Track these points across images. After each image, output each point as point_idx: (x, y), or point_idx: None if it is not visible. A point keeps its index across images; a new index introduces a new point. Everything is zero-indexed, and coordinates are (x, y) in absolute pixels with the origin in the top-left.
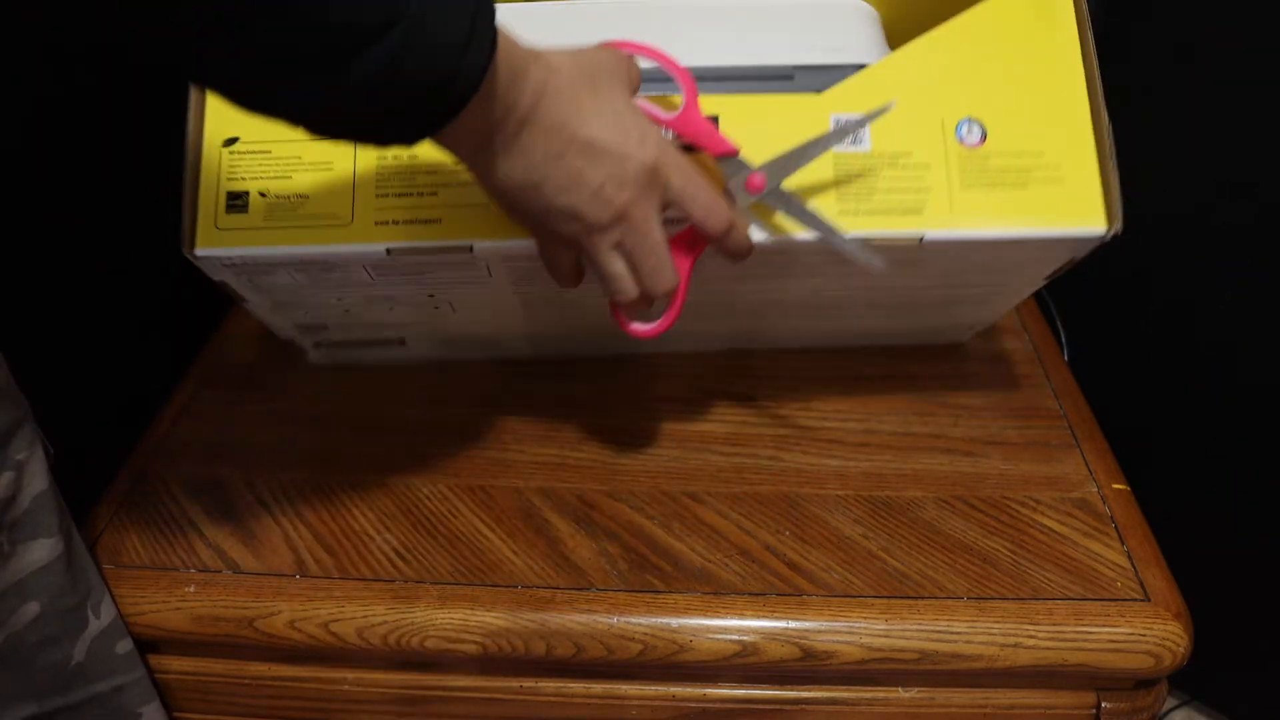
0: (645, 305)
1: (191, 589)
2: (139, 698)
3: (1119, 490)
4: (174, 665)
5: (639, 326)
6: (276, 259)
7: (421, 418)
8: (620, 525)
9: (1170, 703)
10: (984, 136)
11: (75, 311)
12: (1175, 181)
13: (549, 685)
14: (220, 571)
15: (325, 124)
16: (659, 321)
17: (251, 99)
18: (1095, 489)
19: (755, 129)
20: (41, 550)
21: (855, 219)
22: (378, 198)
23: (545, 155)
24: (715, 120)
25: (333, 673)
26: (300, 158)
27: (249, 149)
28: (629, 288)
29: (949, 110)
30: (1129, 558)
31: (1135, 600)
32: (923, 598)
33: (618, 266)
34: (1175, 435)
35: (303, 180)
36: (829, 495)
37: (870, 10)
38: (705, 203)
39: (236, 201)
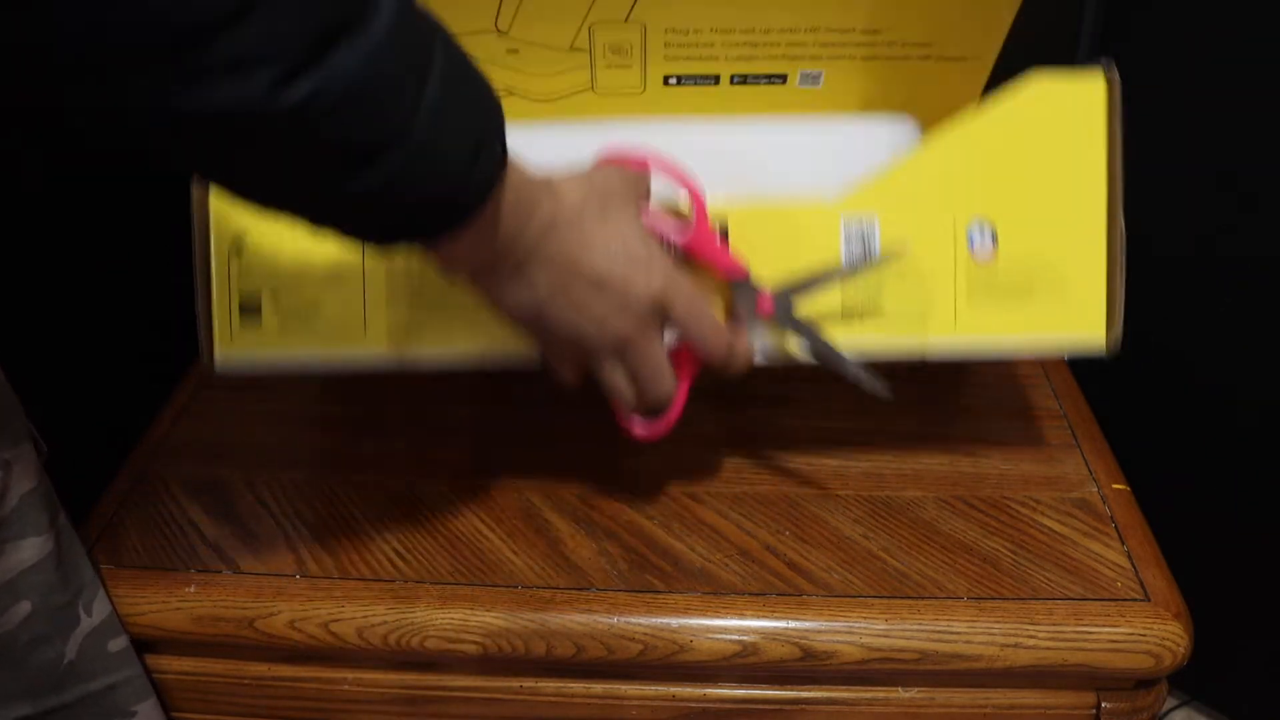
0: (646, 408)
1: (191, 589)
2: (133, 695)
3: (1119, 490)
4: (174, 665)
5: (639, 427)
6: (294, 363)
7: (422, 417)
8: (620, 525)
9: (1170, 703)
10: (995, 242)
11: (76, 311)
12: (1176, 181)
13: (549, 685)
14: (220, 571)
15: (317, 223)
16: (659, 422)
17: (244, 196)
18: (1095, 489)
19: (766, 237)
20: (31, 549)
21: (861, 331)
22: (389, 306)
23: (550, 286)
24: (725, 234)
25: (333, 673)
26: (309, 261)
27: (257, 251)
28: (628, 398)
29: (962, 212)
30: (1129, 558)
31: (1135, 600)
32: (923, 598)
33: (618, 379)
34: (1175, 435)
35: (313, 286)
36: (829, 495)
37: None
38: (706, 331)
39: (250, 309)
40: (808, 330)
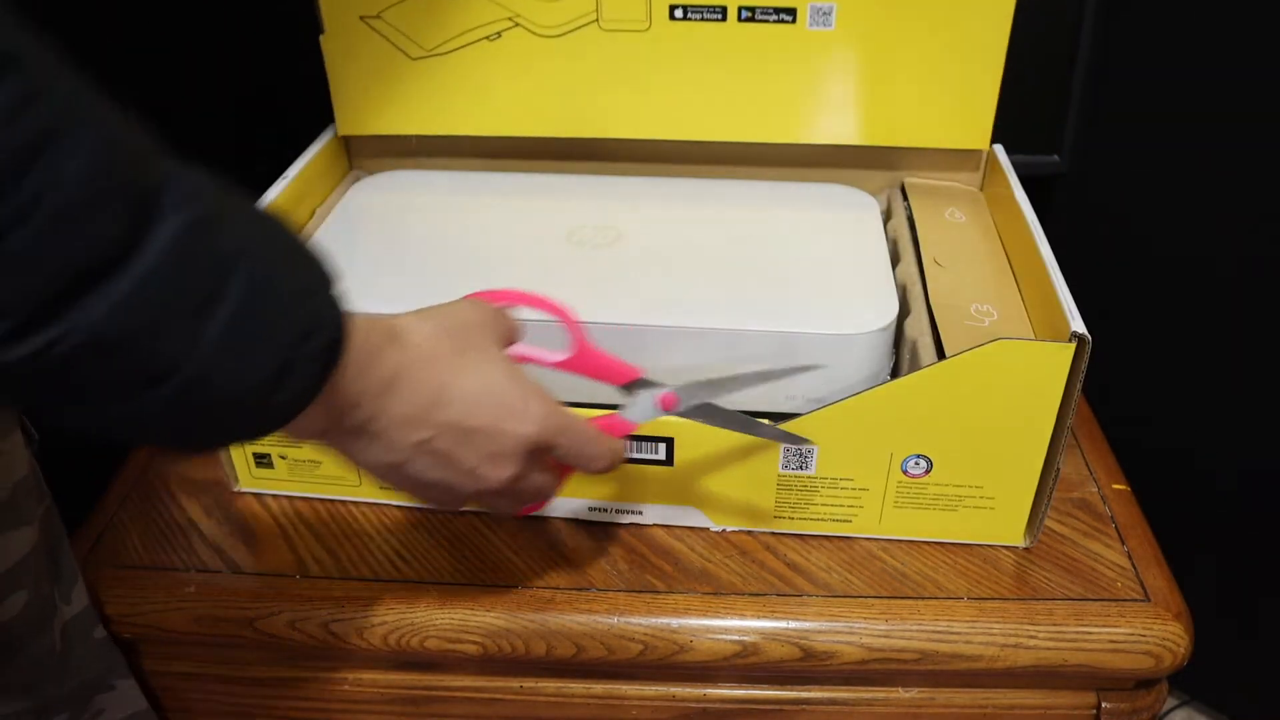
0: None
1: (191, 589)
2: (113, 675)
3: (1119, 490)
4: (174, 666)
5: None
6: (306, 496)
7: None
8: (620, 525)
9: (1170, 703)
10: (929, 469)
11: None
12: (1176, 175)
13: (549, 685)
14: (220, 571)
15: (104, 440)
16: (532, 508)
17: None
18: (1095, 489)
19: (708, 453)
20: (24, 538)
21: (789, 522)
22: None
23: (404, 442)
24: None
25: (333, 673)
26: None
27: None
28: (505, 514)
29: (900, 447)
30: (1129, 558)
31: (1135, 600)
32: (923, 598)
33: (497, 504)
34: (1175, 435)
35: (310, 451)
36: None
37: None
38: (592, 456)
39: (263, 461)
40: (717, 411)
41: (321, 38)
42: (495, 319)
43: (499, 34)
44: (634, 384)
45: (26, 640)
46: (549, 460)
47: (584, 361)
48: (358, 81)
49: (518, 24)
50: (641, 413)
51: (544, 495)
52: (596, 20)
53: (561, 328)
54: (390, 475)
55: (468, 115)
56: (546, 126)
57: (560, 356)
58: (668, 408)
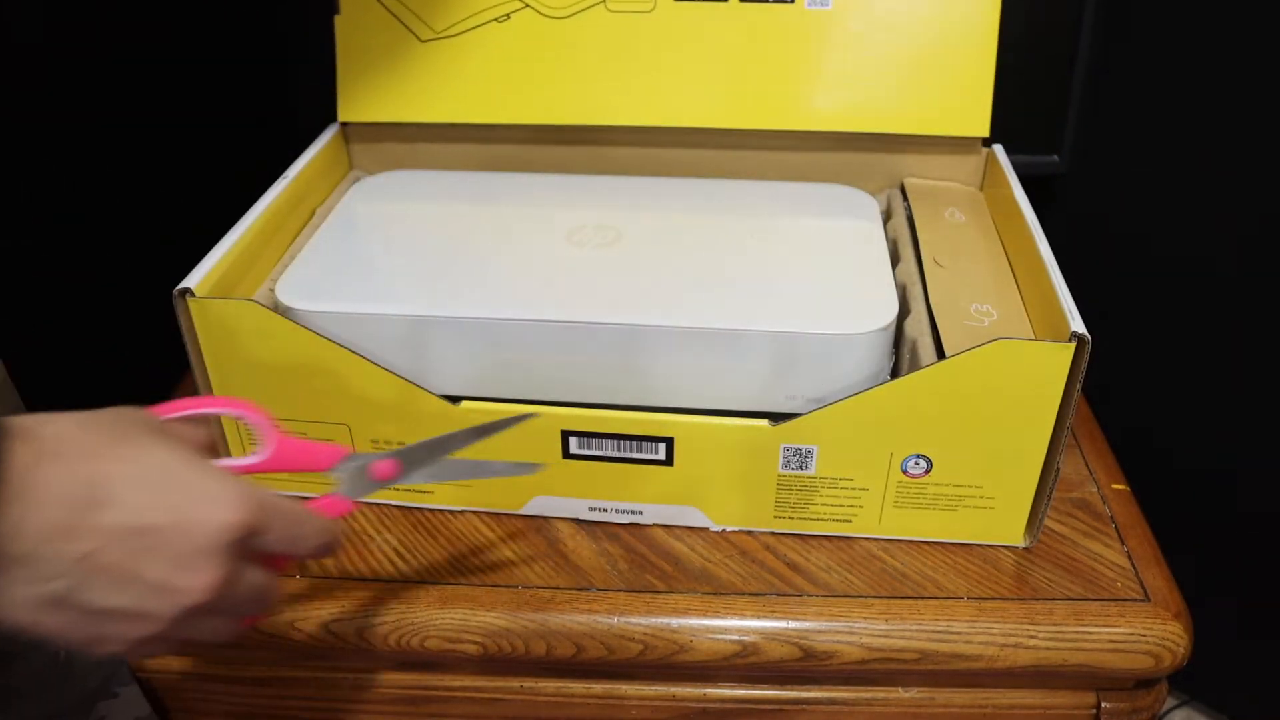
0: None
1: None
2: (116, 683)
3: (1119, 490)
4: (174, 665)
5: None
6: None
7: None
8: (620, 525)
9: (1170, 702)
10: (929, 469)
11: (79, 312)
12: (1176, 175)
13: (549, 685)
14: None
15: None
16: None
17: None
18: (1095, 489)
19: (707, 453)
20: None
21: (789, 522)
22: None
23: (62, 561)
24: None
25: (333, 673)
26: None
27: None
28: (223, 639)
29: (900, 446)
30: (1129, 558)
31: (1135, 600)
32: (923, 598)
33: (204, 630)
34: (1175, 435)
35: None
36: None
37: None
38: (311, 541)
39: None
40: (443, 466)
41: (336, 19)
42: (162, 424)
43: (508, 15)
44: (343, 462)
45: (29, 651)
46: (256, 553)
47: (284, 456)
48: (364, 66)
49: (527, 5)
50: (358, 489)
51: (264, 600)
52: (603, 1)
53: (254, 426)
54: (55, 619)
55: (471, 102)
56: (548, 113)
57: (257, 459)
58: (384, 477)
